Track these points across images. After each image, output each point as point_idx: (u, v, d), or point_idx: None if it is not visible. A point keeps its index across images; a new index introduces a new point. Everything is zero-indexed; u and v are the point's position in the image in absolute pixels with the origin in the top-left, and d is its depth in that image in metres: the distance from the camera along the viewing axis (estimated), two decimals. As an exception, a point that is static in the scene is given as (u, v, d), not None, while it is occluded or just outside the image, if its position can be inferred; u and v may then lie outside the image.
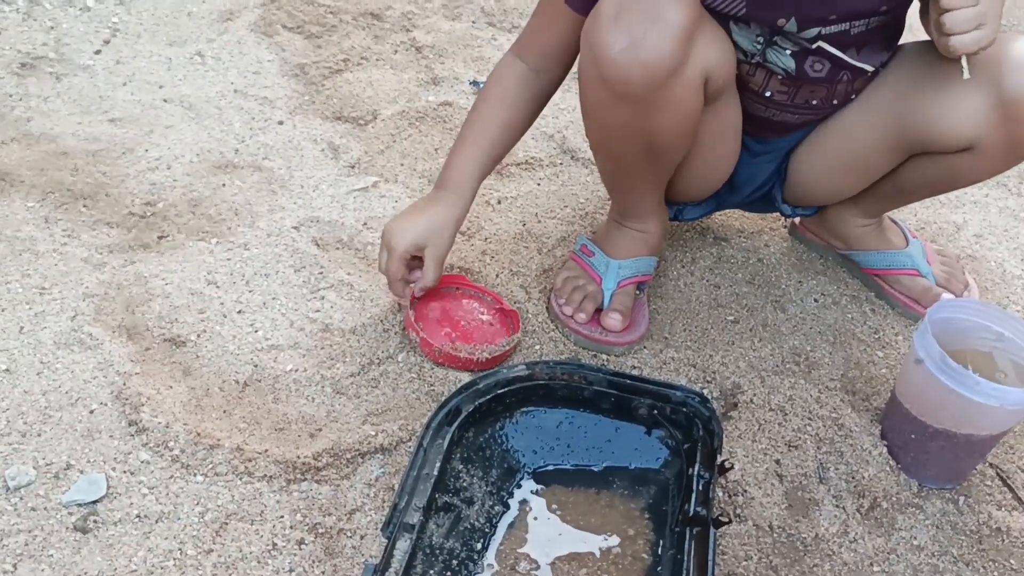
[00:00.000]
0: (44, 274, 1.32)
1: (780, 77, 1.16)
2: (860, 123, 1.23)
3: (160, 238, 1.41)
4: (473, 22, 2.07)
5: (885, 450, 1.17)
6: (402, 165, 1.62)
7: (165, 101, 1.72)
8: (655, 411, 1.10)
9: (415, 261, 1.24)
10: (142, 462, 1.08)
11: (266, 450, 1.10)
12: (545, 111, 1.74)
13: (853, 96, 1.23)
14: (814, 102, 1.20)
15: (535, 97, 1.24)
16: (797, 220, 1.50)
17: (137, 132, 1.63)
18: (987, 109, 1.10)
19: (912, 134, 1.18)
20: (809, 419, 1.19)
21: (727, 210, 1.46)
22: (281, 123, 1.70)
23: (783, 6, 1.08)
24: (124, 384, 1.16)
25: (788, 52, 1.13)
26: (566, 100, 1.79)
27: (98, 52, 1.82)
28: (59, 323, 1.24)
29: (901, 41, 1.22)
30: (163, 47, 1.86)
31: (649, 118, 1.09)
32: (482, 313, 1.31)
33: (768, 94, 1.18)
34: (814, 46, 1.12)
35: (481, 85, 1.82)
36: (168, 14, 1.95)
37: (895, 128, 1.20)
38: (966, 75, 1.04)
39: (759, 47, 1.13)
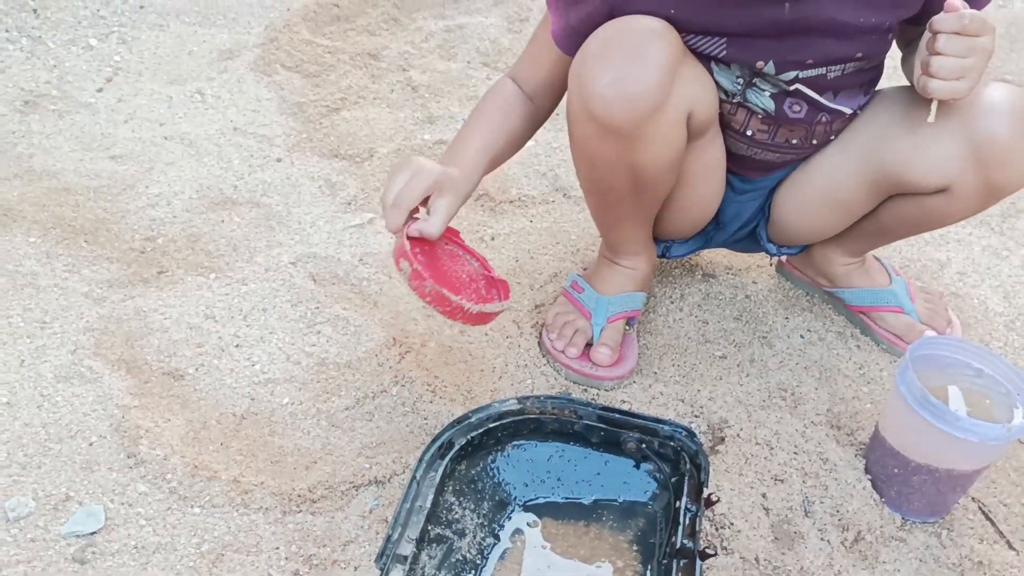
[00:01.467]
0: (45, 308, 1.34)
1: (760, 116, 1.20)
2: (839, 163, 1.27)
3: (159, 273, 1.44)
4: (468, 62, 2.11)
5: (869, 484, 1.19)
6: (397, 202, 1.65)
7: (166, 138, 1.75)
8: (643, 445, 1.12)
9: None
10: (140, 494, 1.10)
11: (262, 482, 1.12)
12: (538, 149, 1.80)
13: (832, 137, 1.26)
14: (794, 141, 1.24)
15: (531, 116, 1.25)
16: (784, 258, 1.54)
17: (138, 169, 1.66)
18: (960, 152, 1.14)
19: (889, 175, 1.21)
20: (795, 453, 1.22)
21: (714, 248, 1.49)
22: (279, 160, 1.74)
23: (761, 50, 1.12)
24: (123, 417, 1.18)
25: (767, 93, 1.17)
26: (559, 139, 1.83)
27: (100, 90, 1.86)
28: (59, 356, 1.26)
29: (882, 85, 1.26)
30: (164, 85, 1.90)
31: (634, 152, 1.13)
32: (472, 275, 1.18)
33: (749, 133, 1.22)
34: (792, 88, 1.16)
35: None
36: (169, 53, 1.99)
37: (873, 169, 1.23)
38: (931, 119, 1.08)
39: (740, 87, 1.17)
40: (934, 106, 1.08)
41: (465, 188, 1.14)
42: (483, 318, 1.11)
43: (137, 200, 1.59)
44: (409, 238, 1.08)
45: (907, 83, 1.22)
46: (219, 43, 2.04)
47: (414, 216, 1.10)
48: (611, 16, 1.11)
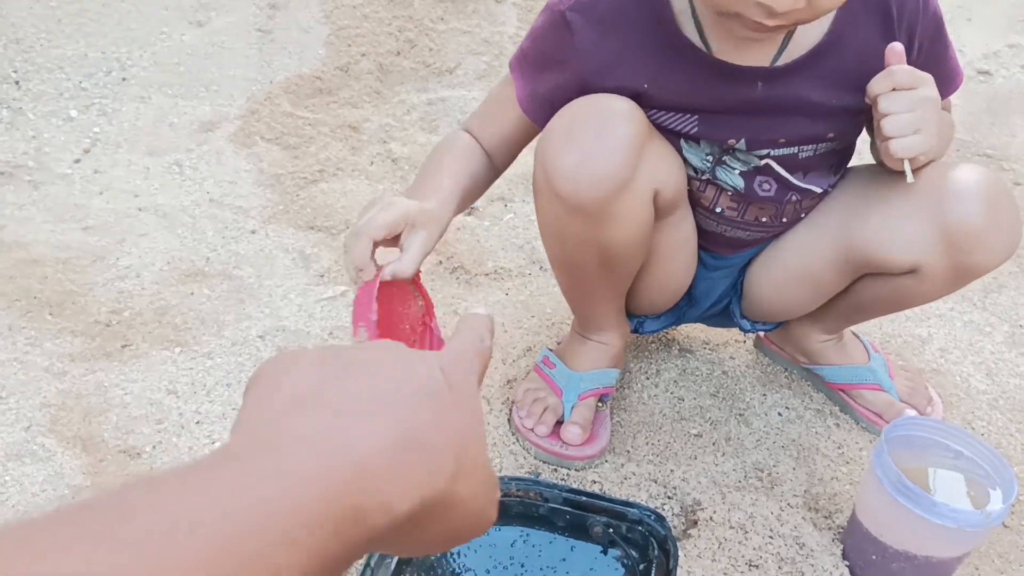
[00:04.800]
0: (2, 383, 1.31)
1: (730, 194, 1.19)
2: (809, 242, 1.25)
3: (123, 347, 1.41)
4: (449, 134, 2.11)
5: (847, 571, 1.14)
6: (371, 275, 1.63)
7: (140, 210, 1.74)
8: (611, 529, 1.08)
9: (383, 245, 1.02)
10: None
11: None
12: (516, 222, 1.78)
13: (803, 215, 1.25)
14: (764, 220, 1.22)
15: (489, 168, 1.21)
16: (762, 334, 1.51)
17: (109, 240, 1.65)
18: (929, 234, 1.11)
19: (858, 255, 1.19)
20: (770, 537, 1.18)
21: (689, 323, 1.47)
22: (254, 232, 1.72)
23: (733, 127, 1.12)
24: (73, 497, 1.14)
25: (737, 171, 1.16)
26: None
27: (77, 161, 1.86)
28: (12, 434, 1.23)
29: (853, 163, 1.25)
30: (142, 156, 1.90)
31: (602, 229, 1.11)
32: (412, 323, 1.03)
33: (719, 210, 1.21)
34: (763, 163, 1.15)
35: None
36: (149, 125, 1.99)
37: (842, 248, 1.21)
38: (910, 179, 1.06)
39: (709, 165, 1.16)
40: (907, 166, 1.06)
41: (441, 222, 1.04)
42: None
43: (106, 272, 1.57)
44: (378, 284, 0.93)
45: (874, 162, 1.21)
46: (200, 115, 2.04)
47: (378, 267, 0.97)
48: (582, 88, 1.10)
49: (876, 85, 1.03)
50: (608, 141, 1.04)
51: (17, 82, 1.98)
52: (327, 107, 2.12)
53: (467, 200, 1.15)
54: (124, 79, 2.07)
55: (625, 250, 1.15)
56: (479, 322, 0.53)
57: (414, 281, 1.04)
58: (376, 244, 0.96)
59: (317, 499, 0.35)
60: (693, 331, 1.56)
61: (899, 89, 1.02)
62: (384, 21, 2.28)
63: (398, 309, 1.00)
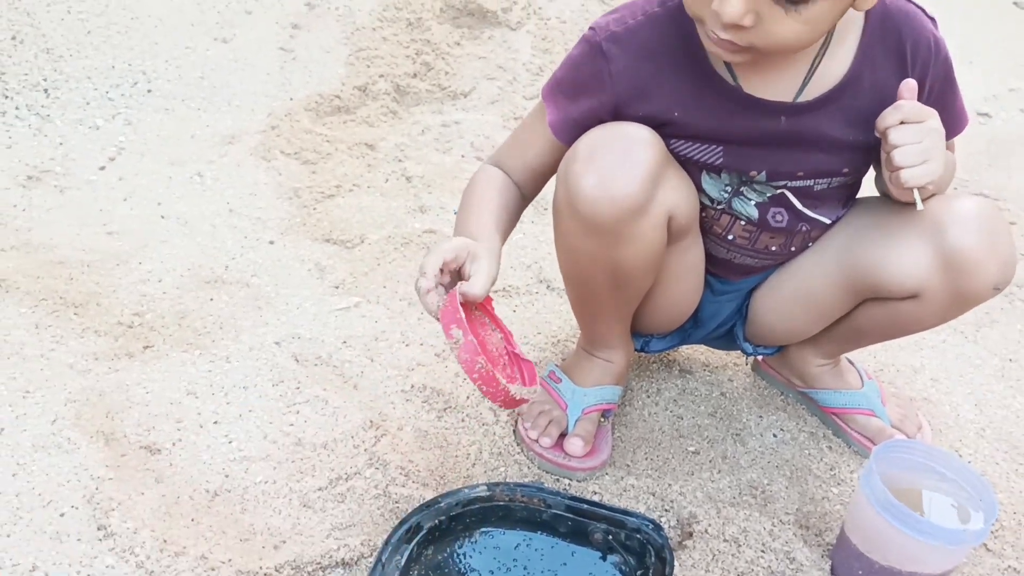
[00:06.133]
0: (29, 378, 1.36)
1: (743, 223, 1.25)
2: (815, 268, 1.31)
3: (145, 348, 1.47)
4: (462, 156, 2.18)
5: (835, 585, 1.19)
6: (384, 287, 1.69)
7: (162, 217, 1.80)
8: (610, 536, 1.13)
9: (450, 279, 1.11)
10: (107, 566, 1.10)
11: (230, 559, 1.13)
12: (524, 241, 1.84)
13: (810, 244, 1.31)
14: (773, 248, 1.28)
15: (520, 200, 1.28)
16: (760, 357, 1.57)
17: (132, 245, 1.70)
18: (931, 260, 1.18)
19: (862, 280, 1.25)
20: (762, 551, 1.22)
21: (692, 344, 1.52)
22: (272, 242, 1.78)
23: (756, 159, 1.18)
24: (96, 488, 1.19)
25: (753, 202, 1.22)
26: (545, 232, 1.88)
27: (103, 168, 1.92)
28: (39, 426, 1.28)
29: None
30: (165, 166, 1.96)
31: (615, 249, 1.17)
32: (499, 349, 1.15)
33: (730, 237, 1.27)
34: (779, 193, 1.21)
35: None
36: (172, 135, 2.05)
37: (847, 274, 1.27)
38: (920, 207, 1.12)
39: (727, 195, 1.22)
40: (916, 195, 1.12)
41: (496, 254, 1.12)
42: (515, 403, 1.08)
43: (129, 275, 1.62)
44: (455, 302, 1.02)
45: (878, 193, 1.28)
46: (222, 128, 2.10)
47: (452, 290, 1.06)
48: (615, 115, 1.17)
49: (886, 119, 1.09)
50: (628, 165, 1.11)
51: (46, 90, 2.05)
52: (345, 125, 2.18)
53: (507, 232, 1.23)
54: (149, 91, 2.13)
55: (636, 271, 1.21)
56: None
57: (488, 313, 1.15)
58: (445, 265, 1.06)
59: None
60: (693, 353, 1.62)
61: (907, 122, 1.08)
62: (402, 44, 2.36)
63: (480, 333, 1.09)
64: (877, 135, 1.12)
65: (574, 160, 1.14)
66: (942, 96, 1.21)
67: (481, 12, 2.45)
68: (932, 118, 1.10)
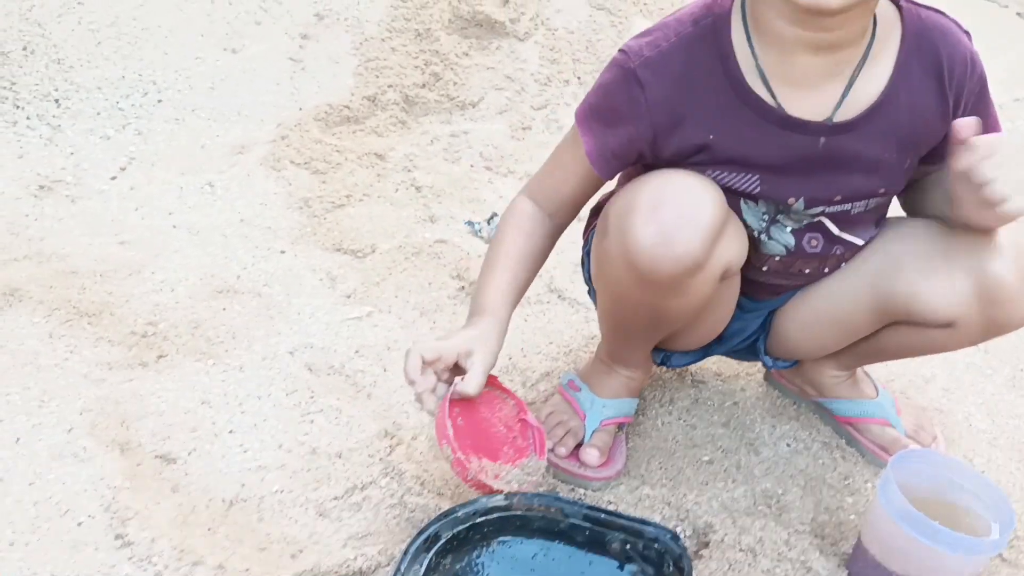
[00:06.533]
0: (44, 387, 1.36)
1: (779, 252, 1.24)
2: (846, 288, 1.29)
3: (159, 357, 1.47)
4: (471, 166, 2.18)
5: (852, 595, 1.19)
6: (396, 297, 1.69)
7: (174, 227, 1.80)
8: (628, 546, 1.13)
9: (450, 374, 1.18)
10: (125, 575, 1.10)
11: (247, 568, 1.13)
12: (535, 252, 1.84)
13: (843, 265, 1.30)
14: (807, 271, 1.28)
15: (549, 235, 1.28)
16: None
17: (145, 255, 1.71)
18: (969, 291, 1.17)
19: (895, 306, 1.24)
20: (778, 561, 1.22)
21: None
22: (283, 252, 1.78)
23: (792, 185, 1.17)
24: (114, 498, 1.19)
25: (789, 229, 1.22)
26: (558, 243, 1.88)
27: (114, 178, 1.92)
28: (55, 435, 1.28)
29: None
30: (176, 176, 1.96)
31: (665, 300, 1.17)
32: (508, 420, 1.24)
33: (765, 268, 1.27)
34: (815, 220, 1.21)
35: (475, 225, 1.92)
36: (183, 145, 2.06)
37: (879, 297, 1.26)
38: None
39: (764, 224, 1.21)
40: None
41: (494, 336, 1.18)
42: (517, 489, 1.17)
43: (142, 285, 1.63)
44: (450, 402, 1.13)
45: (903, 214, 1.30)
46: (232, 138, 2.11)
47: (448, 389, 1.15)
48: (653, 142, 1.15)
49: (972, 156, 1.04)
50: (692, 222, 1.09)
51: (57, 100, 2.05)
52: (354, 135, 2.19)
53: (529, 282, 1.27)
54: (159, 101, 2.14)
55: (680, 317, 1.22)
56: None
57: (498, 387, 1.24)
58: (425, 362, 1.13)
59: None
60: (706, 363, 1.61)
61: (987, 159, 1.03)
62: (411, 55, 2.36)
63: (485, 415, 1.21)
64: (954, 174, 1.08)
65: (634, 211, 1.11)
66: (976, 111, 1.18)
67: (489, 23, 2.45)
68: (1007, 146, 1.05)
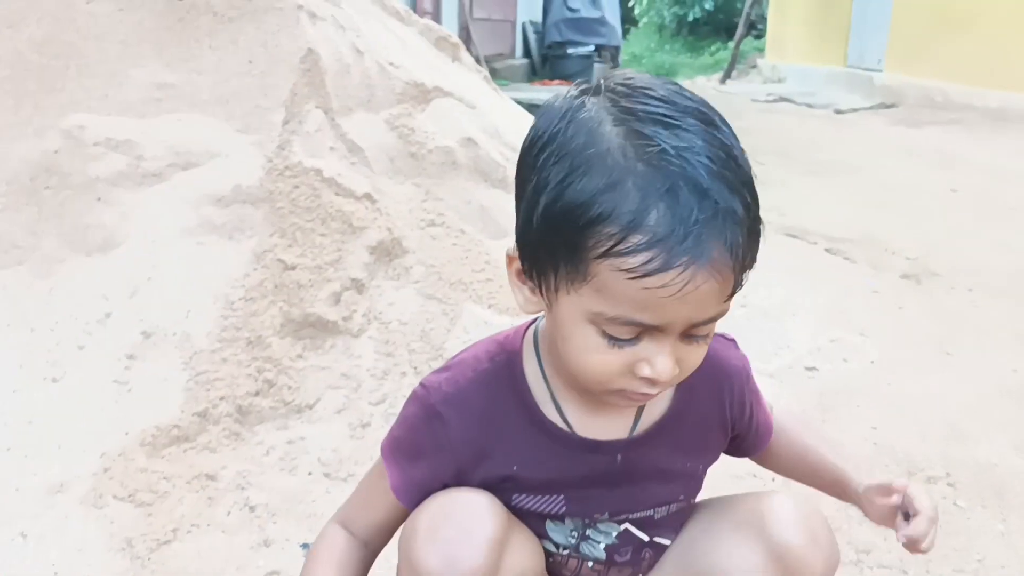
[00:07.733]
0: None
1: (591, 564, 1.26)
2: None
3: None
4: (309, 474, 2.13)
5: None
6: (224, 647, 1.58)
7: (-24, 594, 1.66)
8: None
9: None
10: None
11: None
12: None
13: (655, 564, 1.31)
14: None
15: (363, 560, 1.26)
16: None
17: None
18: (762, 559, 1.20)
19: None
20: None
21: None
22: (99, 608, 1.66)
23: (597, 501, 1.20)
24: None
25: (601, 544, 1.24)
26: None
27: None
28: None
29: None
30: (-17, 530, 1.83)
31: None
32: None
33: None
34: (623, 528, 1.23)
35: (309, 548, 1.84)
36: (-6, 492, 1.94)
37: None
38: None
39: (574, 541, 1.23)
40: None
41: None
42: None
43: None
44: None
45: (702, 497, 1.32)
46: (50, 476, 2.00)
47: None
48: (456, 475, 1.16)
49: (916, 530, 1.18)
50: (471, 538, 1.09)
51: None
52: (184, 455, 2.11)
53: None
54: (-30, 444, 2.03)
55: None
56: None
57: None
58: None
59: None
60: None
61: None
62: (243, 363, 2.35)
63: None
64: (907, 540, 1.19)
65: (414, 538, 1.12)
66: (753, 411, 1.30)
67: (322, 323, 2.48)
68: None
